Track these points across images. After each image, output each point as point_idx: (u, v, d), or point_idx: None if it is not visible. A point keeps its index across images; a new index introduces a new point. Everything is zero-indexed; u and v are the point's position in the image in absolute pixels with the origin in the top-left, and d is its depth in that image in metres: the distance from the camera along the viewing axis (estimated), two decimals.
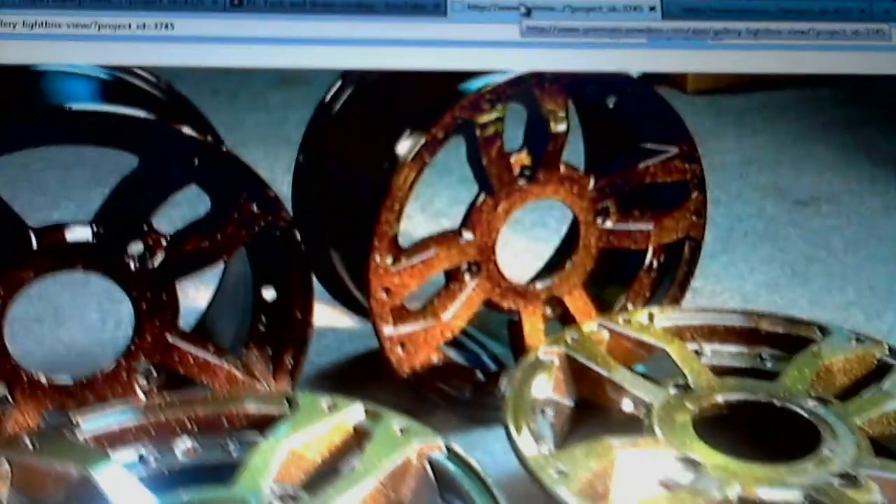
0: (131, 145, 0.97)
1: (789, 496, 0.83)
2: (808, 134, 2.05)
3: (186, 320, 1.05)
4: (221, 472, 0.86)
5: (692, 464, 0.87)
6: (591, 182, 1.15)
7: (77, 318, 1.34)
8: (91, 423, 0.90)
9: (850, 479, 0.85)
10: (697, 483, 0.85)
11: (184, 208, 1.17)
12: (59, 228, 0.96)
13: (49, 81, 1.06)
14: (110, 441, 0.90)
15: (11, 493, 0.83)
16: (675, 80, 2.25)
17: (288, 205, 1.05)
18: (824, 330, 1.08)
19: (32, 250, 0.95)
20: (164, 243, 0.99)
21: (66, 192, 1.65)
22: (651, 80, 1.16)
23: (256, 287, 1.04)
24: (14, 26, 0.95)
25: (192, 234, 1.00)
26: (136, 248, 0.98)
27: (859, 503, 0.82)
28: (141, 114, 0.97)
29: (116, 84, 1.10)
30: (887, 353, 1.04)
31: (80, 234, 0.97)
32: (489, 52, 0.99)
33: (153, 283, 0.99)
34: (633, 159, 1.18)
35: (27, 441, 0.86)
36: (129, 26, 0.98)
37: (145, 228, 0.98)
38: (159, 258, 0.99)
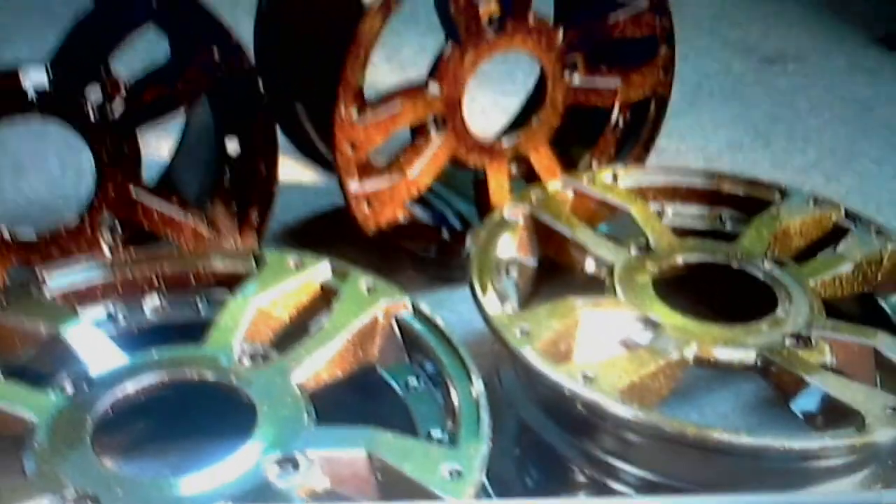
0: None
1: (744, 356, 0.86)
2: None
3: (149, 173, 1.04)
4: (190, 330, 0.86)
5: (651, 324, 0.88)
6: (560, 34, 1.13)
7: (37, 169, 1.31)
8: (58, 280, 0.89)
9: (802, 340, 0.87)
10: (656, 342, 0.86)
11: (143, 55, 1.14)
12: (14, 71, 0.93)
13: None
14: (78, 298, 0.89)
15: None
16: None
17: (251, 53, 1.02)
18: (784, 192, 1.09)
19: None
20: (124, 90, 0.96)
21: (21, 34, 1.59)
22: None
23: (220, 140, 1.03)
24: None
25: (152, 80, 0.97)
26: (95, 94, 0.95)
27: (811, 363, 0.85)
28: None
29: None
30: (844, 216, 1.05)
31: (35, 77, 0.93)
32: None
33: (113, 131, 0.96)
34: (602, 11, 1.16)
35: None
36: None
37: (103, 73, 0.95)
38: (119, 106, 0.96)
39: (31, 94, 0.93)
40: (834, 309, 0.94)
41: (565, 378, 0.80)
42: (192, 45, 0.97)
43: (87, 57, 0.94)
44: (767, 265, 0.98)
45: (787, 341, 0.87)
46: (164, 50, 0.99)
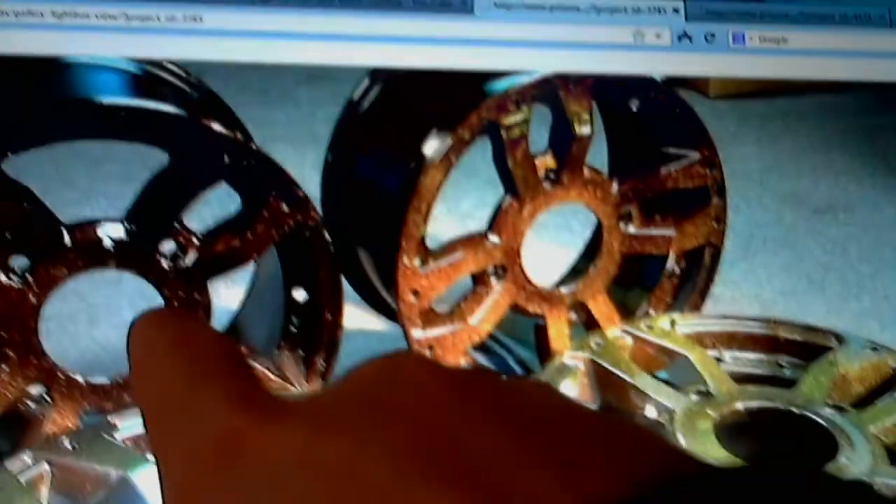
0: (161, 141, 0.97)
1: None
2: (827, 141, 2.05)
3: (219, 321, 1.06)
4: None
5: None
6: (615, 186, 1.16)
7: (111, 317, 1.35)
8: (129, 425, 0.90)
9: None
10: None
11: (214, 207, 1.18)
12: (92, 225, 0.96)
13: (78, 74, 1.06)
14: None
15: (51, 494, 0.84)
16: (698, 84, 2.25)
17: (317, 204, 1.06)
18: (840, 338, 1.09)
19: (65, 247, 0.94)
20: (196, 242, 0.99)
21: (98, 188, 1.65)
22: (674, 83, 1.17)
23: (287, 288, 1.05)
24: (42, 15, 0.96)
25: (223, 232, 1.00)
26: (168, 246, 0.98)
27: None
28: (170, 109, 0.96)
29: (146, 78, 1.10)
30: None
31: (112, 231, 0.97)
32: (512, 52, 1.00)
33: (185, 282, 0.99)
34: (655, 164, 1.19)
35: (66, 442, 0.86)
36: (158, 18, 0.99)
37: (177, 226, 0.98)
38: (191, 257, 0.99)
39: (107, 245, 0.96)
40: None
41: None
42: (262, 198, 1.00)
43: (161, 212, 0.97)
44: (828, 411, 0.98)
45: None
46: (235, 202, 1.02)
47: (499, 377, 0.27)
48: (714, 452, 0.90)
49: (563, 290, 1.18)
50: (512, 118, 1.08)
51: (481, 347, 1.19)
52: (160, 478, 0.25)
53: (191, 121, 0.97)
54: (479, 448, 0.22)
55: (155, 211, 0.97)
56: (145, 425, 0.27)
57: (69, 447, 0.86)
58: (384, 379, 0.25)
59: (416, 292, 1.07)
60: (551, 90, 1.10)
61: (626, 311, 1.23)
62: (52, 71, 1.05)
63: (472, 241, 1.11)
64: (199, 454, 0.24)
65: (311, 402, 0.25)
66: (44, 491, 0.84)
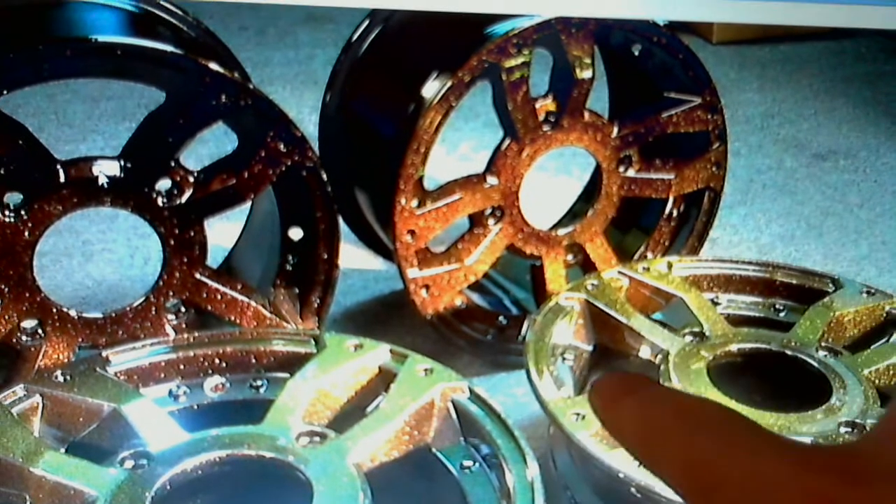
0: (158, 80, 0.97)
1: None
2: (829, 88, 2.04)
3: (214, 258, 1.06)
4: (250, 410, 0.87)
5: None
6: (615, 130, 1.16)
7: (105, 253, 1.35)
8: (122, 359, 0.91)
9: (857, 428, 0.87)
10: None
11: (210, 146, 1.18)
12: (87, 162, 0.96)
13: (75, 12, 1.05)
14: (141, 376, 0.91)
15: (43, 426, 0.84)
16: (701, 30, 2.24)
17: (315, 145, 1.05)
18: (837, 283, 1.09)
19: (60, 184, 0.94)
20: (192, 180, 0.98)
21: (93, 126, 1.63)
22: (677, 28, 1.16)
23: (283, 227, 1.05)
24: None
25: (219, 171, 1.00)
26: (164, 184, 0.98)
27: None
28: (168, 48, 0.95)
29: (144, 17, 1.09)
30: None
31: (108, 168, 0.96)
32: None
33: (181, 219, 0.99)
34: (656, 108, 1.19)
35: (59, 375, 0.86)
36: None
37: (173, 165, 0.97)
38: (187, 195, 0.98)
39: (102, 183, 0.96)
40: (888, 399, 0.94)
41: (619, 461, 0.80)
42: (259, 138, 0.99)
43: (157, 150, 0.97)
44: (821, 353, 0.98)
45: (842, 429, 0.87)
46: (232, 142, 1.02)
47: None
48: (707, 392, 0.91)
49: (561, 231, 1.18)
50: (513, 61, 1.07)
51: (477, 287, 1.19)
52: None
53: (188, 60, 0.95)
54: None
55: (151, 149, 0.97)
56: (685, 496, 0.27)
57: (62, 380, 0.86)
58: None
59: (412, 232, 1.07)
60: (553, 34, 1.09)
61: (624, 254, 1.23)
62: (49, 9, 1.04)
63: (470, 183, 1.10)
64: None
65: (875, 449, 0.25)
66: (36, 423, 0.84)
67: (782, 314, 1.10)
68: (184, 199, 0.99)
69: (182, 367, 0.92)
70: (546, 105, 1.12)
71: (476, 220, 1.12)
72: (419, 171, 1.06)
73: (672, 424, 0.27)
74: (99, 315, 1.00)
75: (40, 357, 0.97)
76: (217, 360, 0.93)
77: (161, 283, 1.01)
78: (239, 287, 1.03)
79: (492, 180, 1.11)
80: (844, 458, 0.25)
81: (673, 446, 0.27)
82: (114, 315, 1.00)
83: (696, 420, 0.27)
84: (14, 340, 0.96)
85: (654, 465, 0.27)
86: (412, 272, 1.09)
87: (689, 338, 0.99)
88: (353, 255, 1.27)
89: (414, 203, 1.07)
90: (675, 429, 0.27)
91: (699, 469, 0.26)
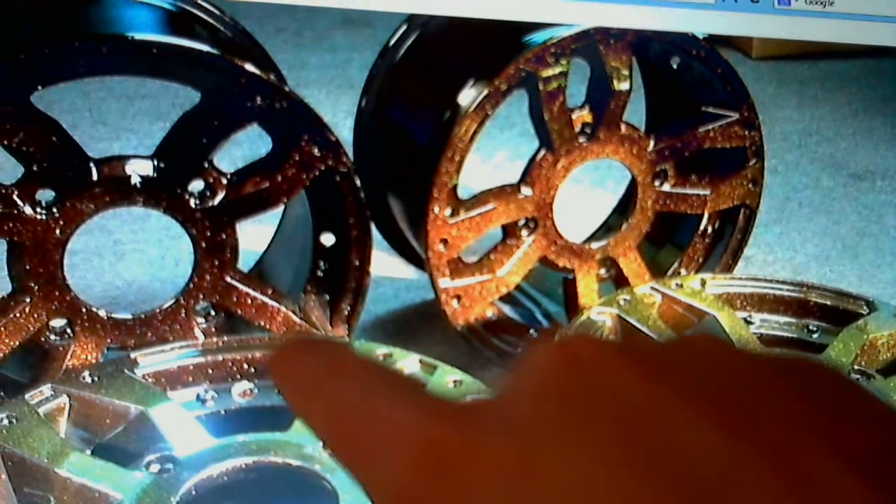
0: (193, 80, 0.96)
1: None
2: (868, 107, 2.02)
3: (245, 262, 1.06)
4: (277, 416, 0.86)
5: None
6: (651, 143, 1.15)
7: (136, 253, 1.35)
8: (150, 361, 0.90)
9: None
10: None
11: (244, 148, 1.17)
12: (121, 161, 0.95)
13: (112, 9, 1.05)
14: (169, 379, 0.90)
15: (69, 427, 0.84)
16: (741, 44, 2.22)
17: (349, 150, 1.05)
18: (871, 305, 1.08)
19: (93, 182, 0.93)
20: (225, 182, 0.98)
21: (127, 124, 1.63)
22: (716, 42, 1.15)
23: (315, 232, 1.04)
24: None
25: (253, 174, 0.99)
26: (197, 185, 0.97)
27: None
28: (204, 48, 0.94)
29: (181, 16, 1.09)
30: None
31: (141, 168, 0.95)
32: (556, 4, 0.98)
33: (213, 222, 0.98)
34: (693, 122, 1.17)
35: (87, 376, 0.86)
36: None
37: (206, 166, 0.97)
38: (219, 197, 0.98)
39: (135, 182, 0.95)
40: None
41: None
42: (293, 141, 0.98)
43: (191, 151, 0.96)
44: (854, 376, 0.97)
45: None
46: (266, 144, 1.01)
47: (690, 347, 0.25)
48: None
49: (594, 245, 1.16)
50: (550, 71, 1.06)
51: (508, 299, 1.18)
52: (369, 494, 0.25)
53: (224, 60, 0.95)
54: (697, 448, 0.21)
55: (185, 149, 0.96)
56: (327, 446, 0.27)
57: (89, 381, 0.86)
58: (570, 372, 0.24)
59: (445, 241, 1.06)
60: (591, 44, 1.08)
61: (657, 270, 1.21)
62: (86, 5, 1.04)
63: (504, 193, 1.09)
64: (406, 466, 0.24)
65: (498, 404, 0.24)
66: (62, 423, 0.84)
67: (815, 335, 1.09)
68: (216, 201, 0.98)
69: (210, 371, 0.92)
70: (582, 116, 1.11)
71: (509, 231, 1.11)
72: (453, 179, 1.05)
73: (321, 376, 0.27)
74: (128, 316, 1.00)
75: (68, 357, 0.96)
76: (246, 366, 0.92)
77: (191, 285, 1.00)
78: (269, 292, 1.02)
79: (526, 191, 1.10)
80: (473, 411, 0.25)
81: (318, 399, 0.27)
82: (143, 316, 0.99)
83: (342, 372, 0.27)
84: (42, 339, 0.96)
85: (307, 420, 0.27)
86: (444, 282, 1.08)
87: None
88: (384, 263, 1.26)
89: (447, 212, 1.06)
90: (322, 381, 0.27)
91: (340, 421, 0.26)
